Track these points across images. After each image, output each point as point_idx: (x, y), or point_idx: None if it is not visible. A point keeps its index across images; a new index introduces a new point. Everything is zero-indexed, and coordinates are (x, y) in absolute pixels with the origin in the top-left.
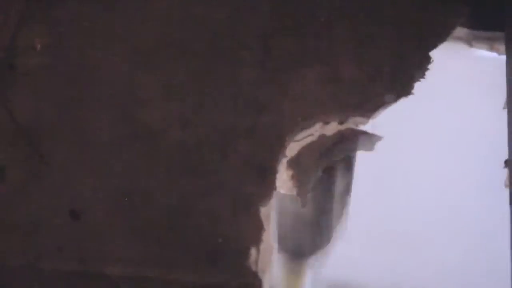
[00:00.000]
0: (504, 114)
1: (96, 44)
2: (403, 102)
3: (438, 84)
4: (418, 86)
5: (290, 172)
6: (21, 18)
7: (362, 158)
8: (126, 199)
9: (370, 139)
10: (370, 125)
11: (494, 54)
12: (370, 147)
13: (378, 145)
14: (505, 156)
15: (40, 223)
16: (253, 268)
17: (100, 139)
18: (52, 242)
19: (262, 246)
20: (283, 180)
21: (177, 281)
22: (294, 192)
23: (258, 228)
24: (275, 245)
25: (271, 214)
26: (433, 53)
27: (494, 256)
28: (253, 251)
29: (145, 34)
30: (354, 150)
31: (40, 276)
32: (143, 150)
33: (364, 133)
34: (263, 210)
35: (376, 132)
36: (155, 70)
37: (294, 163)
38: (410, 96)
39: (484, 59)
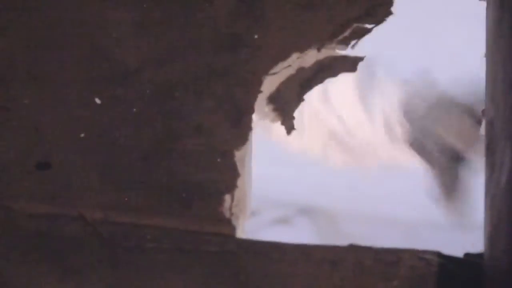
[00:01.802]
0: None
1: None
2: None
3: (415, 19)
4: (392, 23)
5: (272, 106)
6: None
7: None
8: (97, 143)
9: (351, 61)
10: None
11: None
12: (352, 68)
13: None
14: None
15: (8, 168)
16: (227, 214)
17: (71, 81)
18: (21, 185)
19: (237, 192)
20: (265, 112)
21: (150, 226)
22: (278, 122)
23: (232, 174)
24: (250, 191)
25: (246, 158)
26: None
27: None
28: (227, 197)
29: None
30: (334, 74)
31: (12, 216)
32: (116, 92)
33: (344, 56)
34: (237, 154)
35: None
36: (129, 7)
37: (274, 98)
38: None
39: None
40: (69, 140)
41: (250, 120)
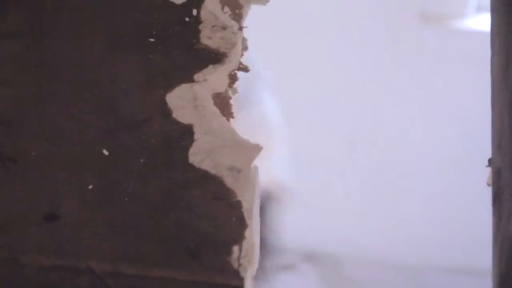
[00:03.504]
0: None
1: (72, 32)
2: (379, 87)
3: (414, 62)
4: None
5: None
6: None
7: (351, 150)
8: (105, 194)
9: None
10: None
11: (470, 28)
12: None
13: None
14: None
15: (16, 220)
16: (235, 266)
17: (78, 133)
18: (29, 238)
19: (245, 243)
20: None
21: (157, 278)
22: None
23: (240, 225)
24: (258, 242)
25: (254, 209)
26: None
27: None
28: (235, 248)
29: (125, 21)
30: None
31: (20, 268)
32: (123, 142)
33: None
34: (245, 205)
35: None
36: (137, 58)
37: None
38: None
39: (461, 33)
40: (77, 192)
41: (256, 169)
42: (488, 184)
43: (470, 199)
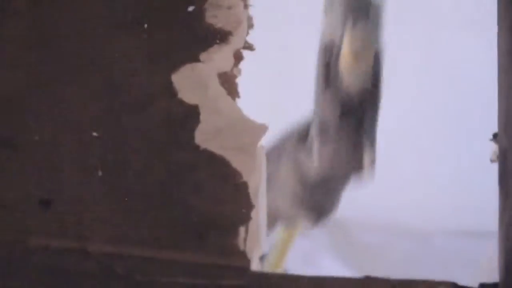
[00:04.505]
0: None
1: (75, 10)
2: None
3: (419, 23)
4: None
5: None
6: None
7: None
8: (109, 177)
9: None
10: None
11: None
12: None
13: None
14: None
15: (21, 203)
16: (241, 247)
17: (81, 114)
18: (34, 220)
19: (251, 224)
20: None
21: (161, 260)
22: None
23: (246, 205)
24: (264, 222)
25: (260, 189)
26: None
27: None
28: (241, 229)
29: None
30: None
31: (25, 251)
32: (128, 123)
33: None
34: (251, 185)
35: None
36: (139, 39)
37: None
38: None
39: None
40: (80, 174)
41: (262, 149)
42: (491, 160)
43: (479, 163)
